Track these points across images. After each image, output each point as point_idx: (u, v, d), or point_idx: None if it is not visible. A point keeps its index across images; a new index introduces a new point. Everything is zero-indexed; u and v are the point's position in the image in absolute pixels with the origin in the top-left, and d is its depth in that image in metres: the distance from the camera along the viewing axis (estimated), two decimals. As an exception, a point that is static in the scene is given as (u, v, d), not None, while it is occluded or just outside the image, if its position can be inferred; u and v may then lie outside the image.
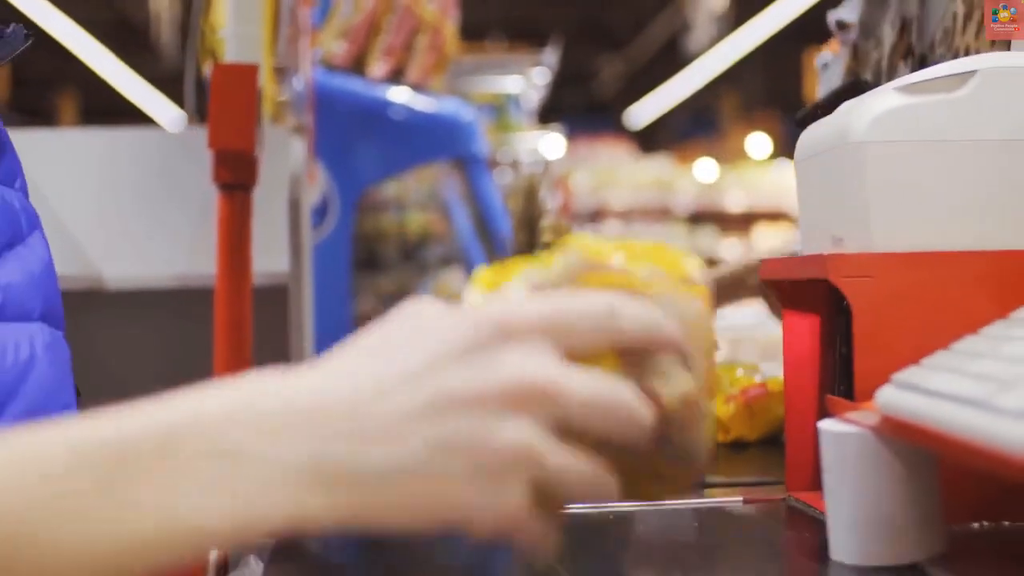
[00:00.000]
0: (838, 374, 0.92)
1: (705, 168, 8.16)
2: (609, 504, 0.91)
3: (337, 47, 2.82)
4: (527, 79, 4.02)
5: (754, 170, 8.26)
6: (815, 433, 0.77)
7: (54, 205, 1.71)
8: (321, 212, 2.69)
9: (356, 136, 2.76)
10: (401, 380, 0.46)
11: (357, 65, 2.85)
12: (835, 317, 0.93)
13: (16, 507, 0.39)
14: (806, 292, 0.95)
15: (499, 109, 3.92)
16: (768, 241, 7.55)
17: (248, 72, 1.45)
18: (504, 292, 0.56)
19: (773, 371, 1.35)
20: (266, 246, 1.66)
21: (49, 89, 11.17)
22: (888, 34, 1.24)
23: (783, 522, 0.92)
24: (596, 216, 7.77)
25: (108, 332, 1.74)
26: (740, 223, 7.86)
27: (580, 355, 0.50)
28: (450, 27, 3.05)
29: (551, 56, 4.11)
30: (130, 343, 1.78)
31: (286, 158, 1.78)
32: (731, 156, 9.25)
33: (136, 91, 10.50)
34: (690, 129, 11.73)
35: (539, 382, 0.47)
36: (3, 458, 0.41)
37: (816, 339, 0.95)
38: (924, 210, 0.84)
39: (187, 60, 1.92)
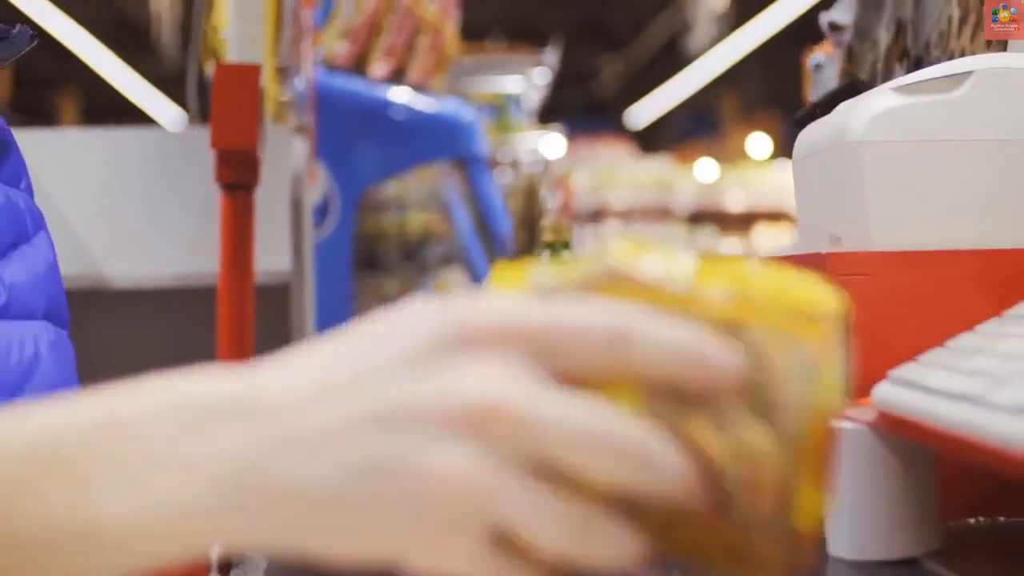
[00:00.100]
0: (836, 372, 0.93)
1: (705, 168, 8.16)
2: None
3: (338, 47, 2.83)
4: (527, 79, 4.03)
5: (754, 170, 8.27)
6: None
7: (58, 205, 1.72)
8: (322, 211, 2.70)
9: (357, 136, 2.77)
10: (343, 388, 0.38)
11: (358, 65, 2.86)
12: (833, 315, 0.94)
13: None
14: (804, 290, 0.96)
15: (499, 109, 3.93)
16: (768, 241, 7.56)
17: (250, 72, 1.46)
18: (494, 293, 0.43)
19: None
20: (268, 245, 1.67)
21: (50, 89, 11.18)
22: (883, 36, 1.25)
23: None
24: (596, 216, 7.77)
25: (111, 331, 1.75)
26: (740, 223, 7.86)
27: (585, 381, 0.39)
28: (451, 28, 3.06)
29: (551, 56, 4.12)
30: (133, 342, 1.78)
31: (288, 158, 1.79)
32: (731, 156, 9.25)
33: (137, 91, 10.52)
34: (690, 129, 11.74)
35: (500, 404, 0.37)
36: None
37: (814, 337, 0.96)
38: (921, 209, 0.85)
39: (189, 60, 1.93)
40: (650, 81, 11.00)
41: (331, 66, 2.82)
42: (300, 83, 2.06)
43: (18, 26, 0.82)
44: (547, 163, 3.88)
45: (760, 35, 8.61)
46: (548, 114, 5.42)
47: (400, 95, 2.85)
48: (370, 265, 3.16)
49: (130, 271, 1.75)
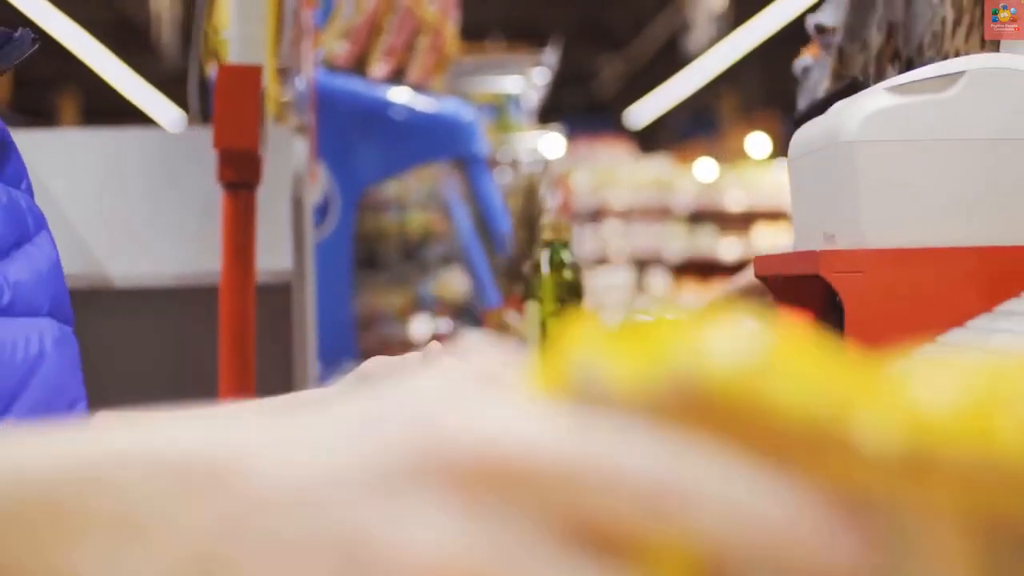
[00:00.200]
0: (831, 368, 0.94)
1: (705, 168, 8.17)
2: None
3: (339, 48, 2.84)
4: (527, 79, 4.04)
5: (754, 170, 8.28)
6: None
7: (61, 205, 1.74)
8: (323, 211, 2.71)
9: (357, 136, 2.78)
10: (316, 495, 0.31)
11: (359, 66, 2.87)
12: (829, 313, 0.95)
13: None
14: (800, 288, 0.97)
15: (499, 109, 3.94)
16: (768, 240, 7.57)
17: (252, 73, 1.47)
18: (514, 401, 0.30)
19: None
20: (269, 244, 1.68)
21: (50, 89, 11.20)
22: (875, 37, 1.26)
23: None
24: (596, 215, 7.79)
25: (114, 330, 1.76)
26: (740, 222, 7.88)
27: (619, 542, 0.27)
28: (450, 28, 3.07)
29: (551, 56, 4.13)
30: (135, 340, 1.79)
31: (289, 157, 1.80)
32: (731, 156, 9.26)
33: (137, 91, 10.53)
34: (690, 129, 11.75)
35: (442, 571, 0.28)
36: None
37: (809, 334, 0.98)
38: (914, 207, 0.86)
39: (190, 61, 1.94)
40: (650, 81, 11.01)
41: (332, 66, 2.83)
42: (301, 83, 2.07)
43: (20, 30, 0.83)
44: (547, 163, 3.89)
45: (759, 35, 8.63)
46: (548, 114, 5.43)
47: (400, 95, 2.86)
48: (370, 265, 3.17)
49: (132, 270, 1.76)
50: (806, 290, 0.96)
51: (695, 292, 7.41)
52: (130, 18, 8.99)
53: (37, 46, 0.86)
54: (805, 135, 0.98)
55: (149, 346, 1.81)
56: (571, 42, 7.90)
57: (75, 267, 1.71)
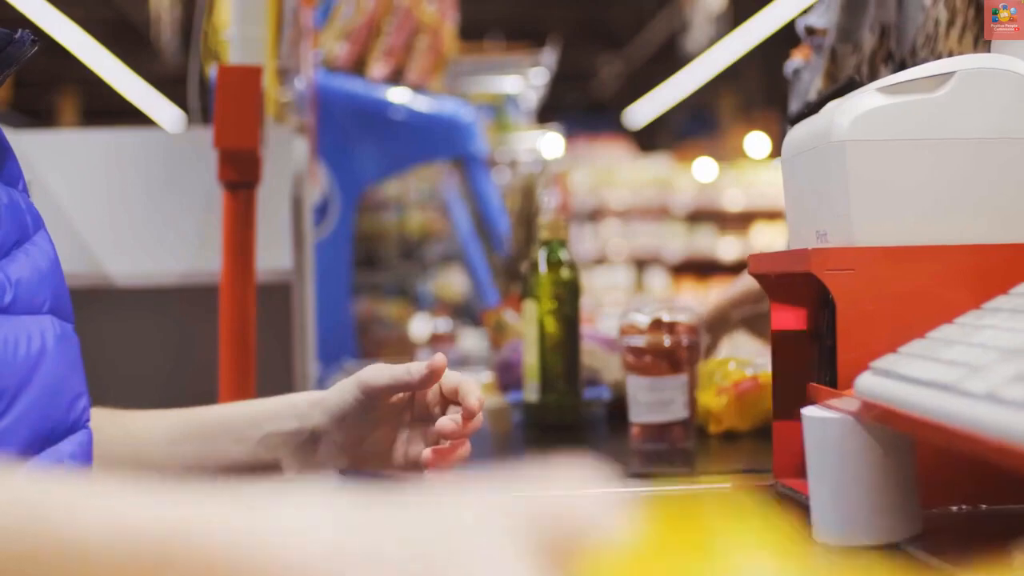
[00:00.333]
0: (824, 364, 0.95)
1: (704, 167, 8.18)
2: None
3: (338, 48, 2.85)
4: (525, 79, 4.05)
5: (752, 169, 8.29)
6: (801, 422, 0.80)
7: (63, 205, 1.75)
8: (322, 210, 2.72)
9: (357, 136, 2.79)
10: None
11: (358, 66, 2.88)
12: (821, 310, 0.97)
13: None
14: (793, 286, 0.98)
15: (498, 109, 3.95)
16: (766, 239, 7.57)
17: (252, 73, 1.48)
18: None
19: (765, 365, 1.39)
20: (269, 243, 1.69)
21: (50, 90, 11.19)
22: (868, 39, 1.27)
23: (770, 506, 0.95)
24: (595, 215, 7.80)
25: (115, 328, 1.77)
26: (738, 222, 7.89)
27: None
28: (449, 28, 3.08)
29: (549, 56, 4.13)
30: (137, 339, 1.80)
31: (289, 157, 1.81)
32: (730, 155, 9.26)
33: (137, 91, 10.52)
34: (689, 128, 11.75)
35: None
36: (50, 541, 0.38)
37: (803, 331, 0.99)
38: (904, 206, 0.87)
39: (191, 61, 1.95)
40: (649, 80, 11.01)
41: (331, 67, 2.84)
42: (300, 84, 2.08)
43: (20, 31, 0.84)
44: (545, 162, 3.90)
45: (758, 35, 8.63)
46: (547, 113, 5.44)
47: (399, 95, 2.87)
48: (370, 263, 3.18)
49: (132, 270, 1.77)
50: (799, 288, 0.97)
51: (694, 291, 7.42)
52: (130, 18, 8.99)
53: (37, 47, 0.87)
54: (798, 135, 0.99)
55: (149, 345, 1.82)
56: (570, 42, 7.90)
57: (76, 266, 1.73)
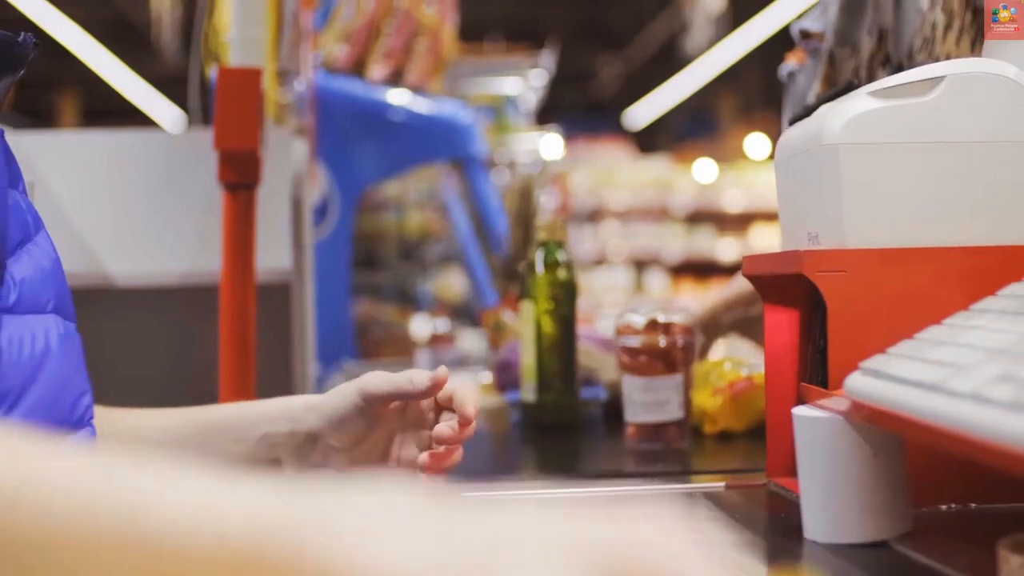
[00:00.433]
0: (816, 365, 0.97)
1: (703, 168, 8.19)
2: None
3: (338, 50, 2.86)
4: (525, 80, 4.05)
5: (752, 170, 8.29)
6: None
7: (64, 205, 1.76)
8: (322, 211, 2.73)
9: (356, 137, 2.80)
10: None
11: (357, 68, 2.89)
12: (813, 311, 0.98)
13: None
14: (786, 287, 0.99)
15: (497, 110, 3.95)
16: (765, 241, 7.58)
17: (252, 75, 1.49)
18: None
19: (759, 366, 1.40)
20: (269, 244, 1.70)
21: (50, 90, 11.20)
22: (866, 42, 1.28)
23: (762, 505, 0.96)
24: (595, 216, 7.80)
25: (116, 328, 1.78)
26: (738, 223, 7.90)
27: None
28: (448, 30, 3.09)
29: (549, 58, 4.14)
30: (137, 338, 1.81)
31: (289, 158, 1.82)
32: (729, 156, 9.27)
33: (137, 92, 10.53)
34: (688, 129, 11.76)
35: None
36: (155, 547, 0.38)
37: (795, 332, 1.00)
38: (895, 208, 0.88)
39: (191, 63, 1.97)
40: (648, 81, 11.01)
41: (331, 68, 2.85)
42: (300, 85, 2.09)
43: (23, 34, 0.85)
44: (544, 163, 3.91)
45: (758, 36, 8.64)
46: (546, 114, 5.44)
47: (399, 97, 2.88)
48: (369, 264, 3.19)
49: (133, 270, 1.78)
50: (792, 289, 0.98)
51: (693, 292, 7.43)
52: (130, 18, 9.00)
53: (38, 49, 0.88)
54: (791, 138, 1.00)
55: (150, 345, 1.83)
56: (570, 42, 7.91)
57: (77, 267, 1.74)
